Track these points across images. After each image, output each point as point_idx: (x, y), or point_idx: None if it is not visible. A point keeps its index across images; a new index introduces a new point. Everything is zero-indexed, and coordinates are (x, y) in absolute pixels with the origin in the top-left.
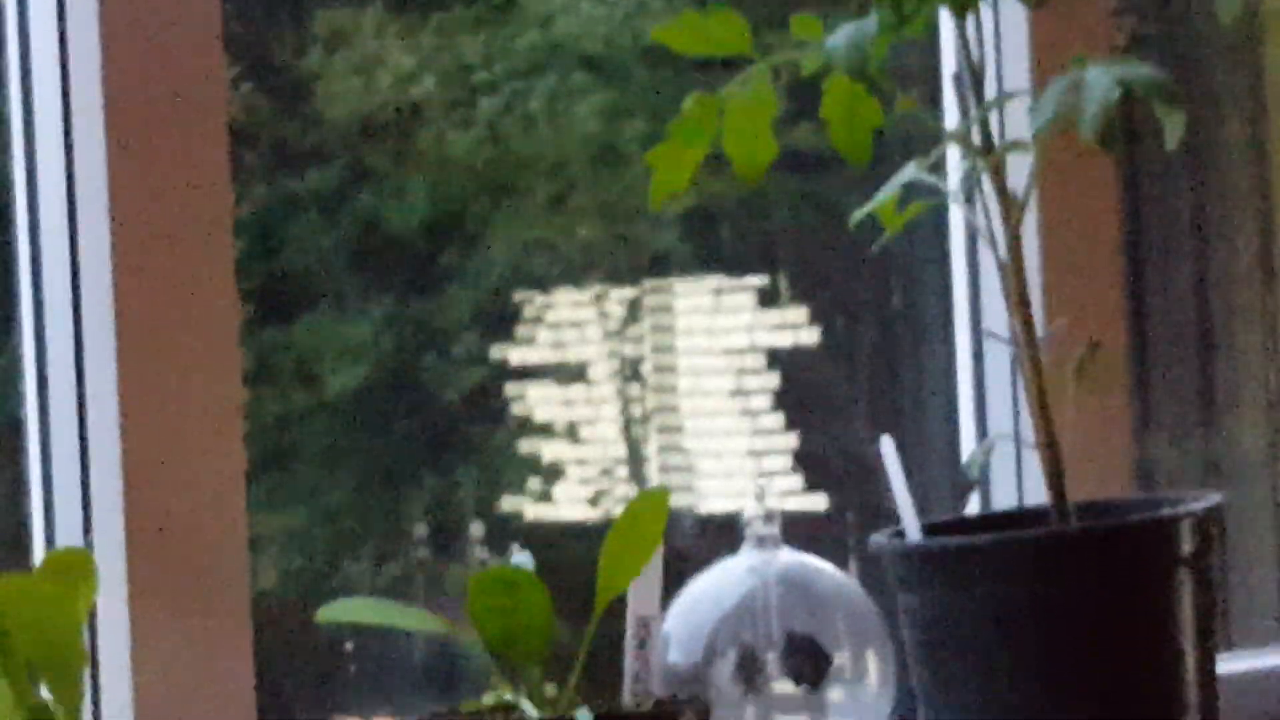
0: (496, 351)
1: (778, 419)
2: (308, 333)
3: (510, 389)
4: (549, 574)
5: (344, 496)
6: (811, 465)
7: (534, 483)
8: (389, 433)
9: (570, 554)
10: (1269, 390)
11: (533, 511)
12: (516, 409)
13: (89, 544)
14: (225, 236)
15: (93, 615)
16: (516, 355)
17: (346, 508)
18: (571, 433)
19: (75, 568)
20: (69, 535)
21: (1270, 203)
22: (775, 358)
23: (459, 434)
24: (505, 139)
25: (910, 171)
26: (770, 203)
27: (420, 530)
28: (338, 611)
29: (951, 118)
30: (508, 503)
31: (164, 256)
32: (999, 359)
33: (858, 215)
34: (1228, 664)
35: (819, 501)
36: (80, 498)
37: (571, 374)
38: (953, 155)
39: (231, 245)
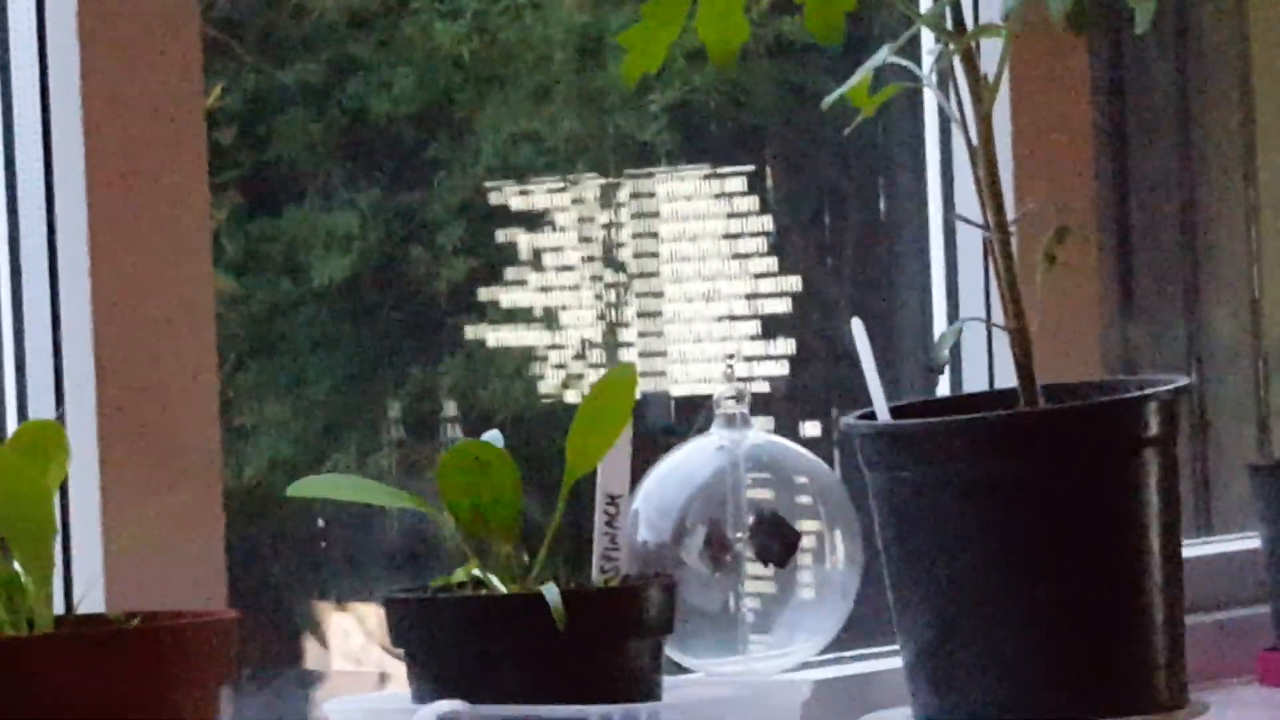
0: (482, 242)
1: (753, 303)
2: (295, 223)
3: (496, 279)
4: (533, 463)
5: (330, 387)
6: (785, 347)
7: (517, 372)
8: (375, 323)
9: (558, 443)
10: (1249, 277)
11: (517, 401)
12: (502, 299)
13: (60, 417)
14: (197, 123)
15: (64, 488)
16: (501, 248)
17: (332, 398)
18: (554, 322)
19: (46, 439)
20: (41, 409)
21: (1251, 89)
22: (752, 243)
23: (445, 325)
24: (491, 29)
25: (883, 55)
26: (752, 93)
27: (405, 421)
28: (309, 487)
29: (926, 1)
30: (491, 393)
31: (137, 139)
32: (971, 243)
33: (830, 98)
34: (1204, 548)
35: (793, 382)
36: (52, 371)
37: (555, 263)
38: (928, 40)
39: (204, 130)
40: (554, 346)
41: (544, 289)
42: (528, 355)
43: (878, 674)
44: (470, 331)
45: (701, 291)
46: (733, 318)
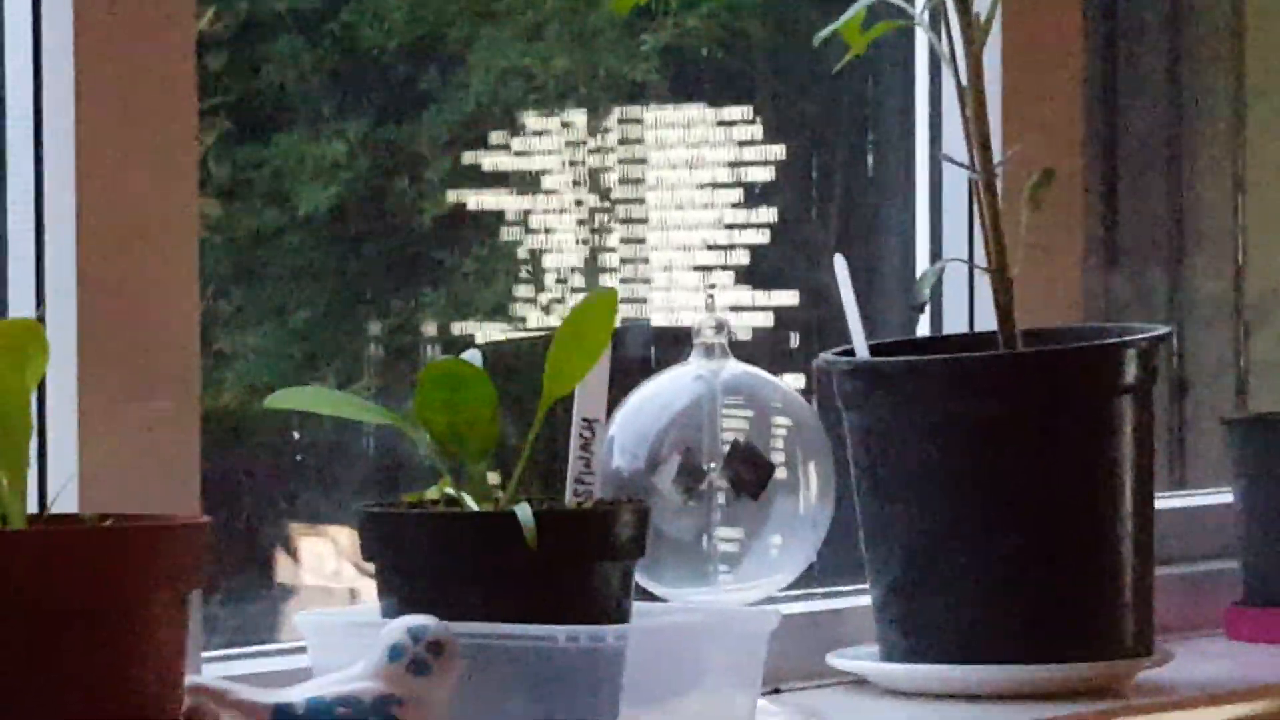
0: (470, 176)
1: (739, 237)
2: (282, 151)
3: (482, 211)
4: (515, 396)
5: (311, 315)
6: (769, 283)
7: (499, 306)
8: (359, 254)
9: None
10: (1234, 236)
11: (499, 332)
12: (487, 232)
13: (41, 318)
14: (188, 42)
15: (42, 388)
16: (489, 180)
17: (313, 326)
18: (539, 256)
19: (26, 338)
20: (21, 309)
21: (1244, 49)
22: (740, 178)
23: (428, 257)
24: None
25: None
26: (744, 36)
27: (385, 351)
28: (286, 399)
29: None
30: (474, 325)
31: (128, 57)
32: (957, 184)
33: (823, 34)
34: (1179, 501)
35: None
36: (34, 271)
37: (541, 196)
38: None
39: (194, 49)
40: (538, 274)
41: (528, 222)
42: (510, 285)
43: (846, 611)
44: (454, 264)
45: (686, 224)
46: (717, 246)
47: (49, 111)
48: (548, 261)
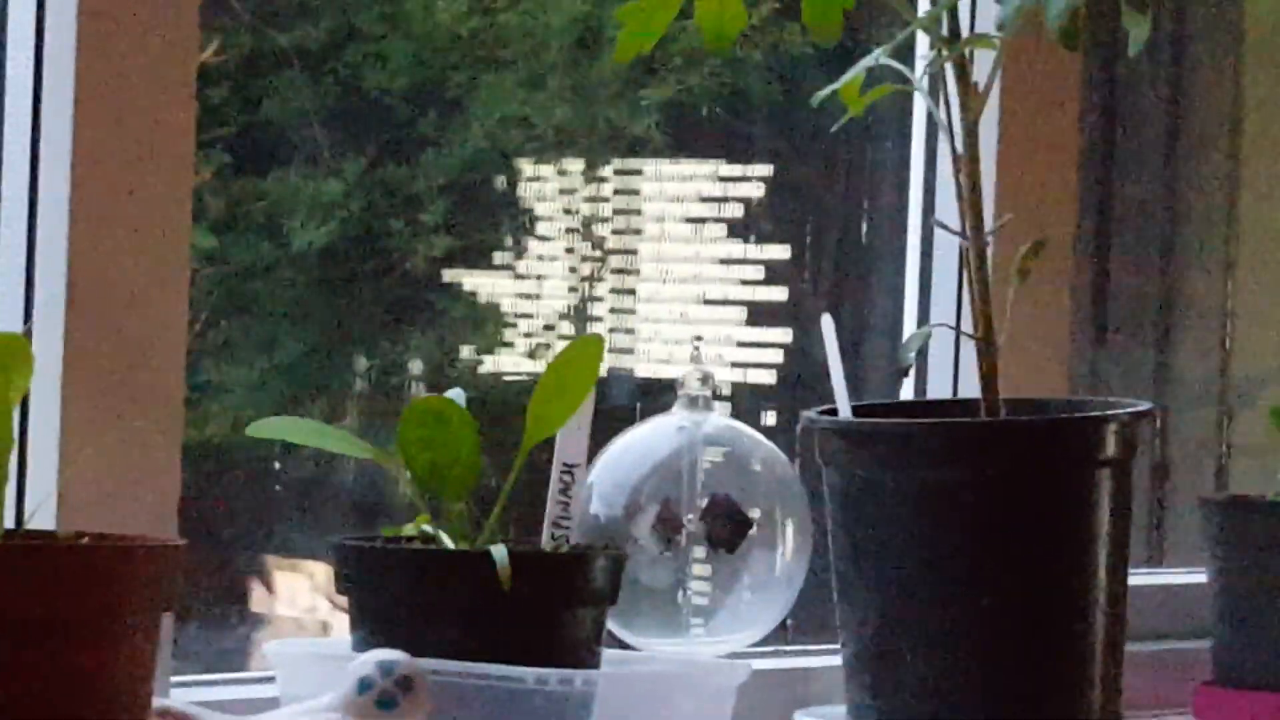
0: (464, 221)
1: (729, 291)
2: (279, 187)
3: (474, 259)
4: (500, 443)
5: (300, 352)
6: (759, 340)
7: (488, 350)
8: (350, 293)
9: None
10: (1222, 317)
11: (487, 380)
12: (479, 279)
13: (28, 333)
14: (189, 72)
15: (25, 403)
16: (482, 228)
17: (300, 363)
18: (529, 303)
19: (10, 352)
20: (9, 323)
21: (1241, 135)
22: (732, 235)
23: (420, 300)
24: (493, 10)
25: (877, 55)
26: (744, 95)
27: (371, 391)
28: (268, 428)
29: (925, 4)
30: (461, 371)
31: (129, 83)
32: (948, 250)
33: (821, 94)
34: (1154, 578)
35: (762, 375)
36: (24, 285)
37: (535, 248)
38: (922, 45)
39: (194, 79)
40: (526, 322)
41: (520, 273)
42: (499, 335)
43: (817, 670)
44: (445, 308)
45: (677, 278)
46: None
47: (46, 124)
48: (537, 309)
